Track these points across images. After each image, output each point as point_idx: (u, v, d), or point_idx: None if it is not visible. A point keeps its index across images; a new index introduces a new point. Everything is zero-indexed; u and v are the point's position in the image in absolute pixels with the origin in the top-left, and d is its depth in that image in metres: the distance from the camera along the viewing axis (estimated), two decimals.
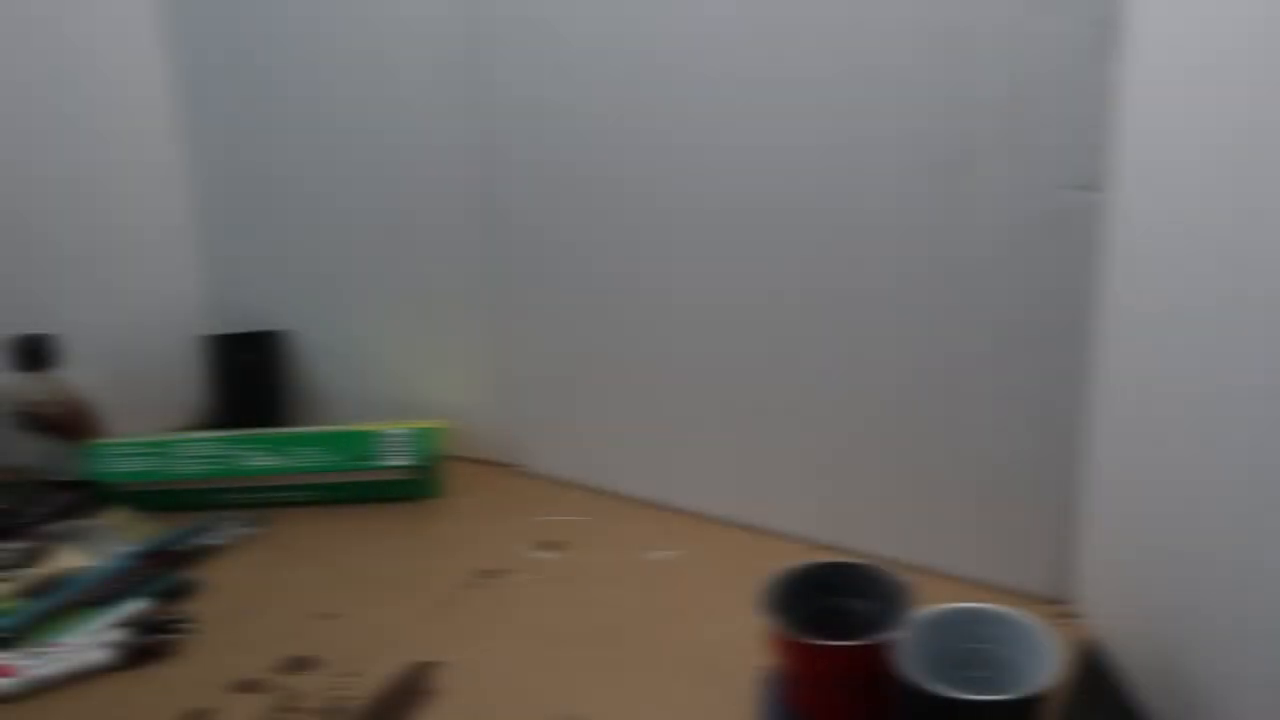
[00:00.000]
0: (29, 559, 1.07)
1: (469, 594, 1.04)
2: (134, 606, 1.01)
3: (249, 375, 1.32)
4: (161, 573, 1.06)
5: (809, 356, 1.05)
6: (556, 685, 0.92)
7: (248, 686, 0.92)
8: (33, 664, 0.93)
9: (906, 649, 0.72)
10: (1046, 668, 0.71)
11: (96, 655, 0.95)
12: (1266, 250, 0.67)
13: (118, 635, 0.97)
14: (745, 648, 0.96)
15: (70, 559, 1.07)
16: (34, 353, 1.11)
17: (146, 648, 0.96)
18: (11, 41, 1.18)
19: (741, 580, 1.05)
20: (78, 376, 1.12)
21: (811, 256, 1.01)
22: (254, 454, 1.19)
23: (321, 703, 0.90)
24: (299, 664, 0.95)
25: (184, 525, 1.15)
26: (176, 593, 1.04)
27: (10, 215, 1.20)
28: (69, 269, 1.25)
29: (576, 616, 1.01)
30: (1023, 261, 0.92)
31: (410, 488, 1.20)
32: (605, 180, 1.09)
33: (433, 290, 1.24)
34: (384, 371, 1.31)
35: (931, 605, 0.76)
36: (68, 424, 1.18)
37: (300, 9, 1.19)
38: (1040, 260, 0.92)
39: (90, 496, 1.17)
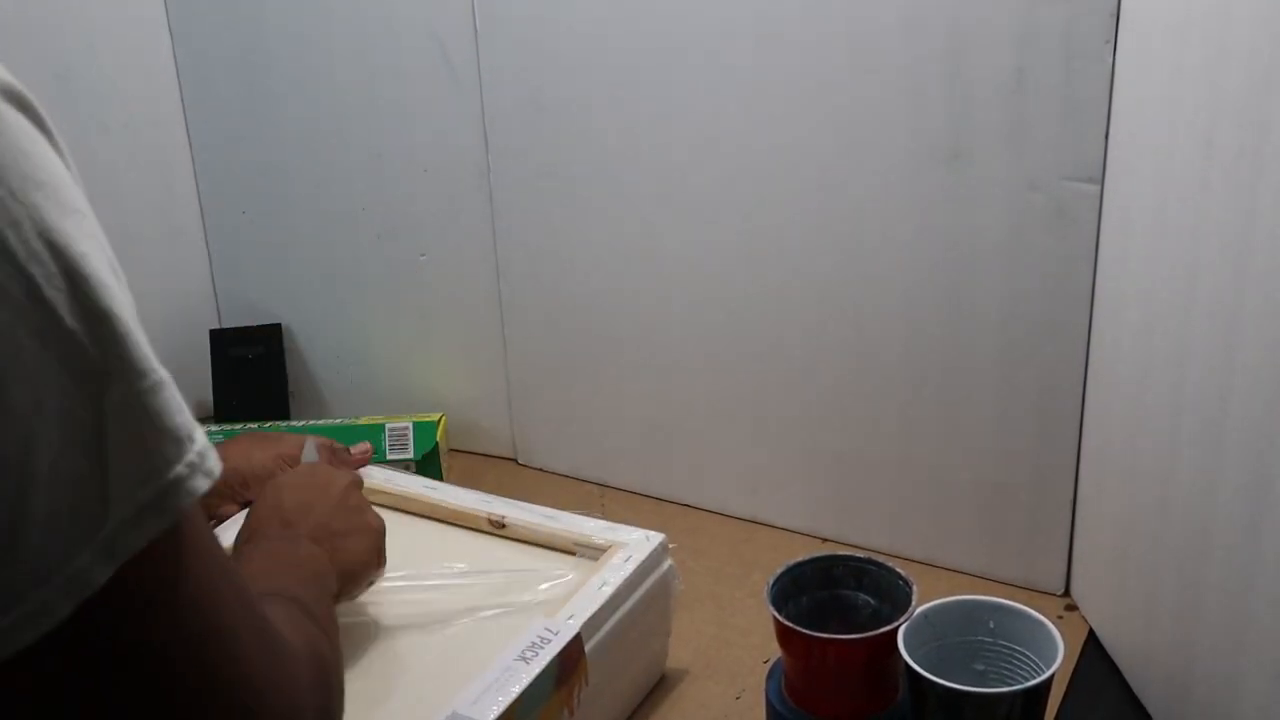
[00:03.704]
0: None
1: None
2: None
3: (251, 370, 1.32)
4: None
5: (810, 349, 1.05)
6: None
7: None
8: None
9: (910, 641, 0.73)
10: (1050, 660, 0.72)
11: None
12: (1264, 243, 0.68)
13: None
14: (748, 640, 0.97)
15: None
16: None
17: None
18: (14, 40, 1.17)
19: (743, 573, 1.06)
20: None
21: (811, 249, 1.02)
22: None
23: None
24: None
25: None
26: None
27: None
28: None
29: None
30: (1024, 254, 0.93)
31: None
32: (606, 173, 1.10)
33: (433, 284, 1.25)
34: (385, 365, 1.31)
35: (935, 598, 0.77)
36: None
37: (302, 7, 1.20)
38: (1041, 252, 0.92)
39: None
